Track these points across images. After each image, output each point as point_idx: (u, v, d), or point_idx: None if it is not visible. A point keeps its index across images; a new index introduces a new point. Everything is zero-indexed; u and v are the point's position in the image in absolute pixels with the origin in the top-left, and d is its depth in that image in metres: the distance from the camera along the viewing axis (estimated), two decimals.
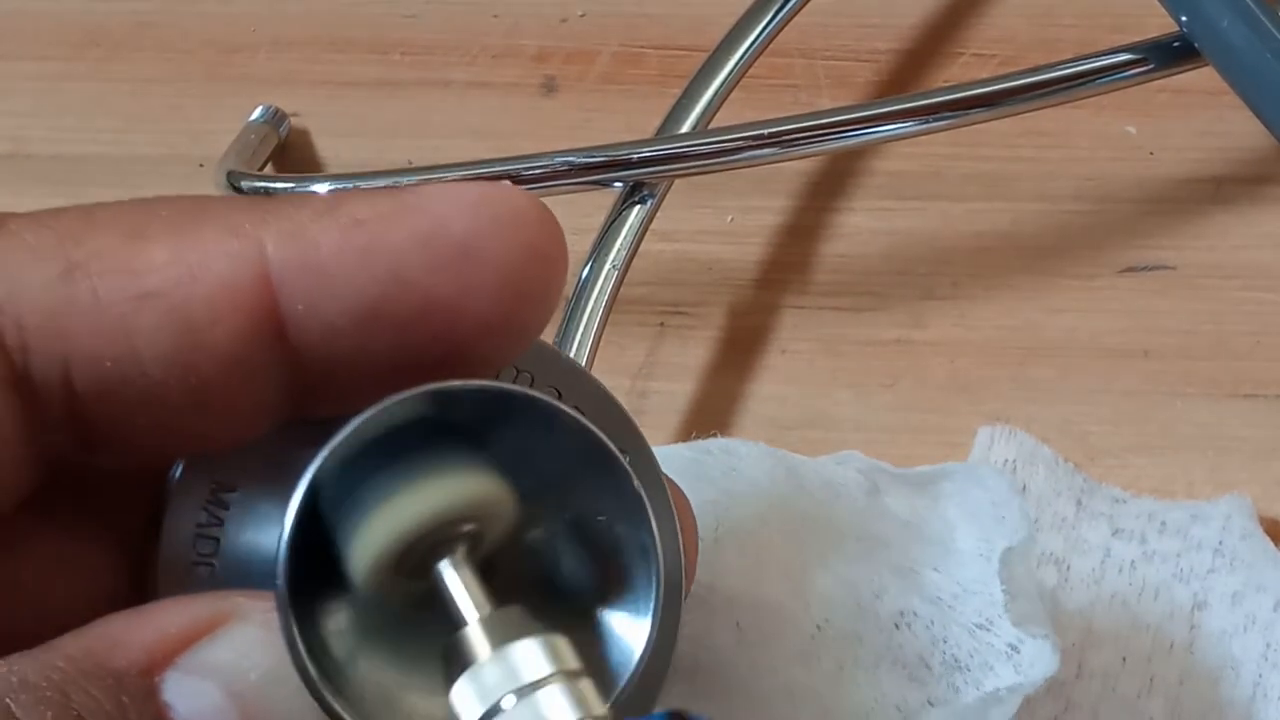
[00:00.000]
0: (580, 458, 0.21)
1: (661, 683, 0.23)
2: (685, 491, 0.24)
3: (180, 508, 0.22)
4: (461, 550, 0.20)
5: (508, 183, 0.21)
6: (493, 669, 0.19)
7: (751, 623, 0.26)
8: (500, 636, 0.20)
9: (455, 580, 0.20)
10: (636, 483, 0.21)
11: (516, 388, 0.21)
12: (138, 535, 0.22)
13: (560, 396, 0.23)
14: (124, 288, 0.20)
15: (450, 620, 0.20)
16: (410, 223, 0.20)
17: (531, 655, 0.19)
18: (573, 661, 0.20)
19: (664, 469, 0.24)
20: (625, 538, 0.21)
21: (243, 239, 0.20)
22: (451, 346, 0.21)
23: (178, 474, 0.22)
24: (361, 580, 0.20)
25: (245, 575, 0.22)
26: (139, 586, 0.22)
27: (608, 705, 0.20)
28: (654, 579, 0.21)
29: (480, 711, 0.19)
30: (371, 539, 0.20)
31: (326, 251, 0.20)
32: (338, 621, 0.21)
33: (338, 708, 0.20)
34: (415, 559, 0.20)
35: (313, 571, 0.20)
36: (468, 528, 0.20)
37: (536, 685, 0.19)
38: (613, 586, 0.21)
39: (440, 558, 0.20)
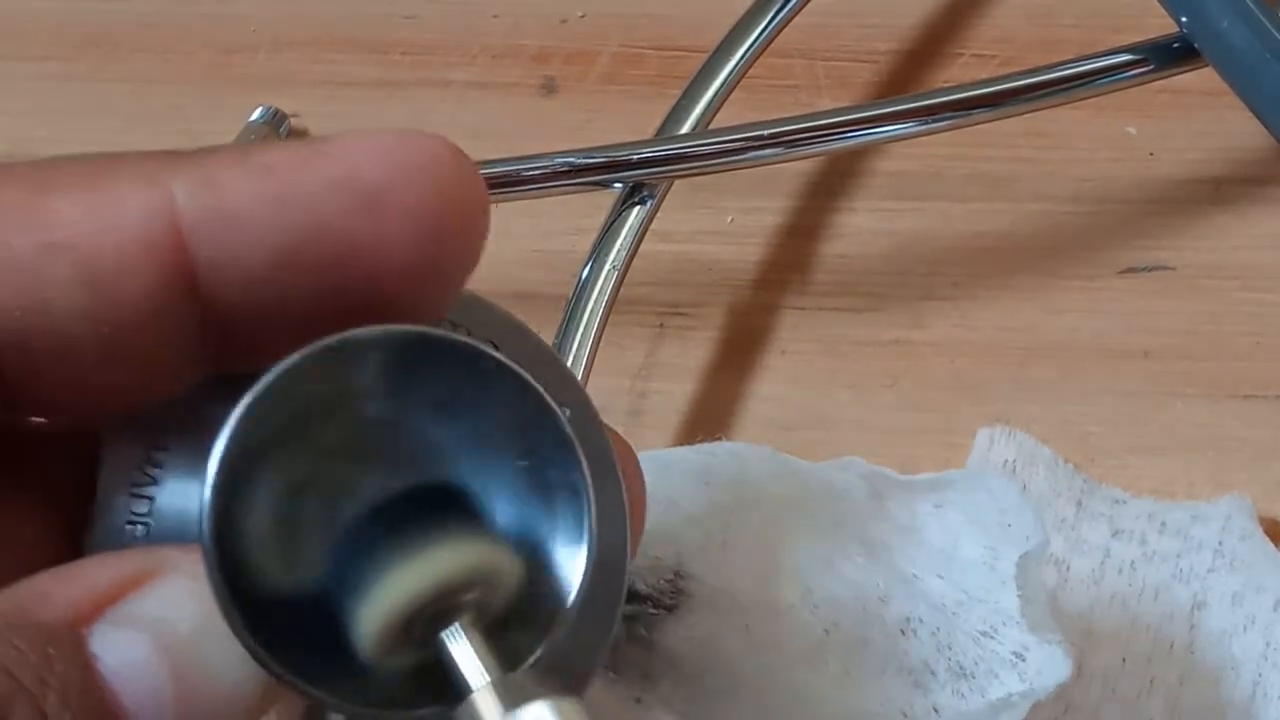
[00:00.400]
0: (508, 403, 0.21)
1: (610, 631, 0.23)
2: (692, 494, 0.24)
3: (113, 469, 0.22)
4: (467, 616, 0.20)
5: (422, 130, 0.21)
6: None
7: (760, 625, 0.26)
8: (510, 701, 0.20)
9: (462, 647, 0.20)
10: (565, 424, 0.21)
11: (438, 330, 0.20)
12: (71, 500, 0.22)
13: (496, 349, 0.23)
14: (32, 239, 0.20)
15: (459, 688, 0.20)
16: (322, 168, 0.20)
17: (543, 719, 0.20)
18: None
19: (669, 471, 0.24)
20: (557, 482, 0.21)
21: (153, 188, 0.20)
22: (372, 295, 0.21)
23: (110, 436, 0.22)
24: (372, 656, 0.20)
25: (180, 533, 0.22)
26: (74, 551, 0.22)
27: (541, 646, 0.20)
28: (585, 520, 0.21)
29: None
30: (375, 611, 0.20)
31: (237, 198, 0.20)
32: (272, 568, 0.21)
33: (267, 657, 0.20)
34: (422, 628, 0.20)
35: (245, 521, 0.20)
36: (471, 595, 0.20)
37: None
38: (550, 528, 0.21)
39: (445, 625, 0.20)
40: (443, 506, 0.21)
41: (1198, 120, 0.40)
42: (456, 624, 0.20)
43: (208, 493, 0.20)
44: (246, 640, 0.20)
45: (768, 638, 0.26)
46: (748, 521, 0.27)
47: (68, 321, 0.20)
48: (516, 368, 0.21)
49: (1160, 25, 0.37)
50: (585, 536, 0.21)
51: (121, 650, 0.19)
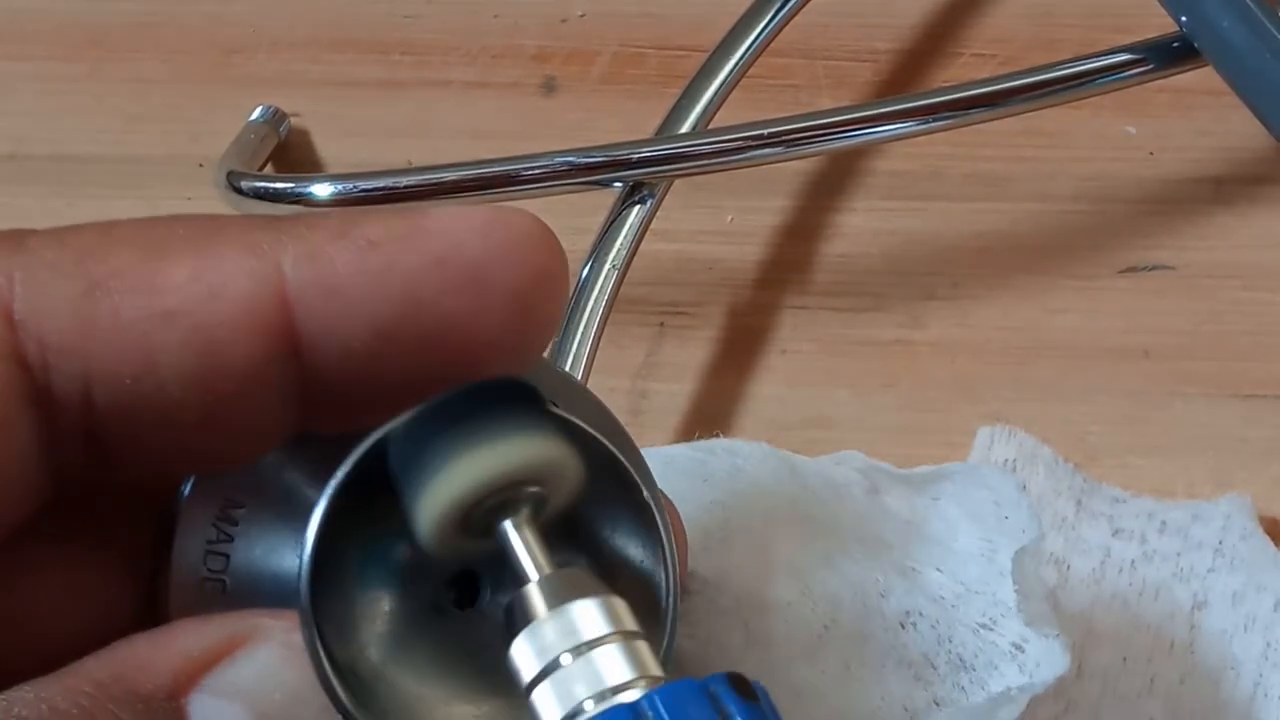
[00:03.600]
0: (595, 479, 0.21)
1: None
2: (690, 492, 0.24)
3: (190, 525, 0.22)
4: (526, 511, 0.21)
5: (515, 207, 0.22)
6: (551, 627, 0.20)
7: (759, 622, 0.26)
8: (560, 596, 0.20)
9: (518, 540, 0.20)
10: (656, 509, 0.21)
11: (541, 407, 0.21)
12: (144, 556, 0.22)
13: (556, 406, 0.23)
14: (145, 306, 0.20)
15: (513, 579, 0.20)
16: (424, 245, 0.21)
17: (590, 615, 0.20)
18: (631, 623, 0.20)
19: (667, 469, 0.24)
20: (638, 558, 0.22)
21: (261, 259, 0.20)
22: (460, 365, 0.21)
23: (187, 491, 0.22)
24: (426, 537, 0.20)
25: (255, 591, 0.22)
26: (148, 606, 0.22)
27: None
28: (669, 595, 0.21)
29: (539, 667, 0.20)
30: (439, 495, 0.20)
31: (342, 272, 0.20)
32: (362, 636, 0.21)
33: None
34: (481, 517, 0.21)
35: (334, 587, 0.21)
36: (533, 489, 0.21)
37: (594, 644, 0.20)
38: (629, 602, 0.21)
39: (505, 517, 0.21)
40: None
41: (1198, 120, 0.40)
42: (514, 517, 0.21)
43: (308, 560, 0.20)
44: (342, 707, 0.20)
45: (767, 634, 0.26)
46: (746, 518, 0.27)
47: (175, 388, 0.20)
48: (615, 450, 0.21)
49: (1160, 25, 0.37)
50: (668, 626, 0.21)
51: None
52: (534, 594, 0.20)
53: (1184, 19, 0.37)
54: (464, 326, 0.21)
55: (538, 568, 0.20)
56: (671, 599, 0.21)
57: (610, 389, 0.38)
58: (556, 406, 0.21)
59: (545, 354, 0.24)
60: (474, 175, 0.37)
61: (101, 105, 0.44)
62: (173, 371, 0.20)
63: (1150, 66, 0.37)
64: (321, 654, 0.20)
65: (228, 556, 0.22)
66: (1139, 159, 0.40)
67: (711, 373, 0.39)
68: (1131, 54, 0.38)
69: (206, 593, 0.22)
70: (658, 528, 0.21)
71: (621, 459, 0.21)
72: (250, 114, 0.43)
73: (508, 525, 0.20)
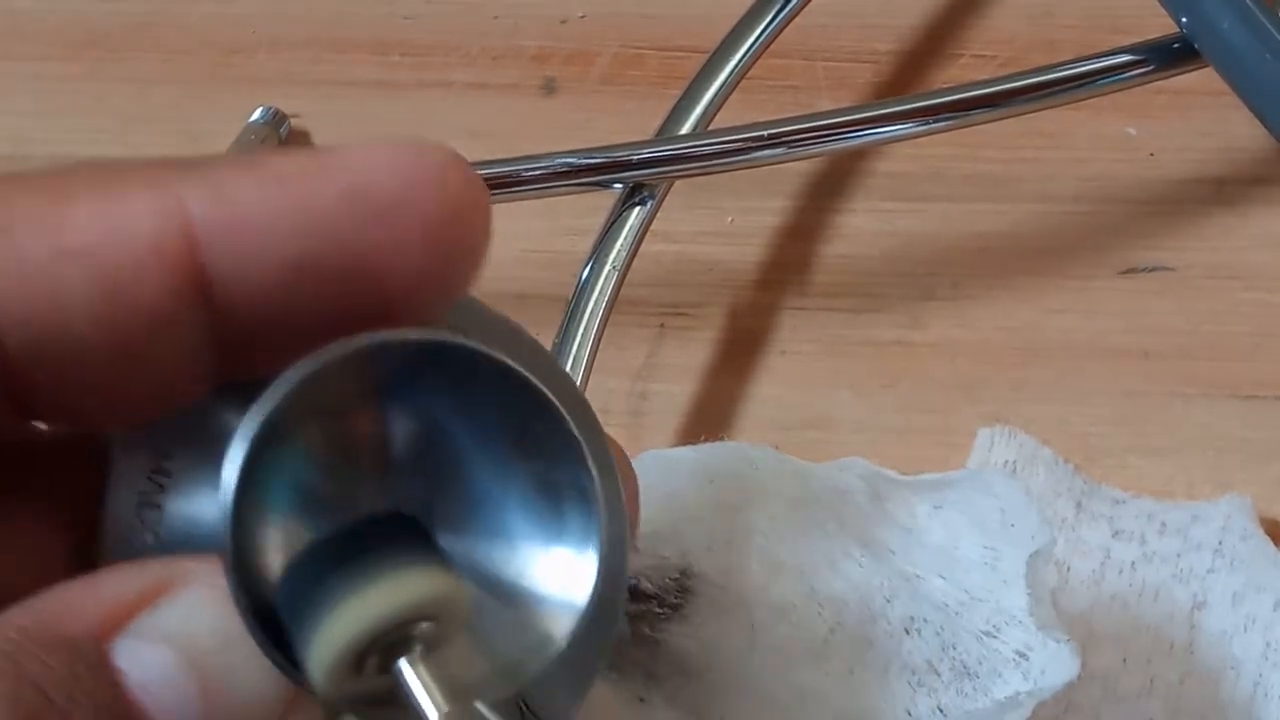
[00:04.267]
0: (514, 405, 0.21)
1: (612, 630, 0.23)
2: (696, 493, 0.24)
3: (122, 478, 0.22)
4: (419, 648, 0.20)
5: (425, 139, 0.21)
6: None
7: (764, 625, 0.26)
8: None
9: (414, 678, 0.20)
10: (572, 424, 0.21)
11: (455, 338, 0.21)
12: (80, 510, 0.22)
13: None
14: (49, 246, 0.20)
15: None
16: (333, 179, 0.20)
17: None
18: None
19: (673, 471, 0.24)
20: (564, 481, 0.21)
21: (166, 196, 0.20)
22: (379, 302, 0.21)
23: (119, 445, 0.22)
24: (319, 683, 0.20)
25: (189, 541, 0.22)
26: (85, 561, 0.22)
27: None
28: (594, 519, 0.21)
29: None
30: (327, 642, 0.20)
31: (249, 208, 0.20)
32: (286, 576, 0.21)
33: (289, 665, 0.20)
34: (376, 656, 0.20)
35: (262, 529, 0.20)
36: (426, 625, 0.20)
37: None
38: (555, 530, 0.21)
39: (399, 655, 0.20)
40: (397, 534, 0.21)
41: (1198, 120, 0.40)
42: (409, 655, 0.20)
43: (229, 503, 0.20)
44: (269, 649, 0.20)
45: (772, 637, 0.26)
46: (752, 521, 0.27)
47: (82, 327, 0.20)
48: (523, 371, 0.21)
49: (1160, 25, 0.37)
50: (596, 536, 0.21)
51: (147, 664, 0.20)
52: None
53: (1184, 20, 0.37)
54: (380, 260, 0.20)
55: (436, 707, 0.20)
56: (598, 529, 0.21)
57: (610, 390, 0.38)
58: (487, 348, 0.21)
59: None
60: None
61: (101, 105, 0.44)
62: (80, 312, 0.20)
63: (1150, 67, 0.38)
64: (244, 597, 0.20)
65: (160, 508, 0.22)
66: (1139, 160, 0.40)
67: (712, 374, 0.39)
68: (1132, 55, 0.38)
69: (141, 544, 0.22)
70: (585, 461, 0.21)
71: (546, 394, 0.21)
72: (250, 115, 0.43)
73: (403, 664, 0.20)
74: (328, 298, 0.21)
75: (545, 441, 0.21)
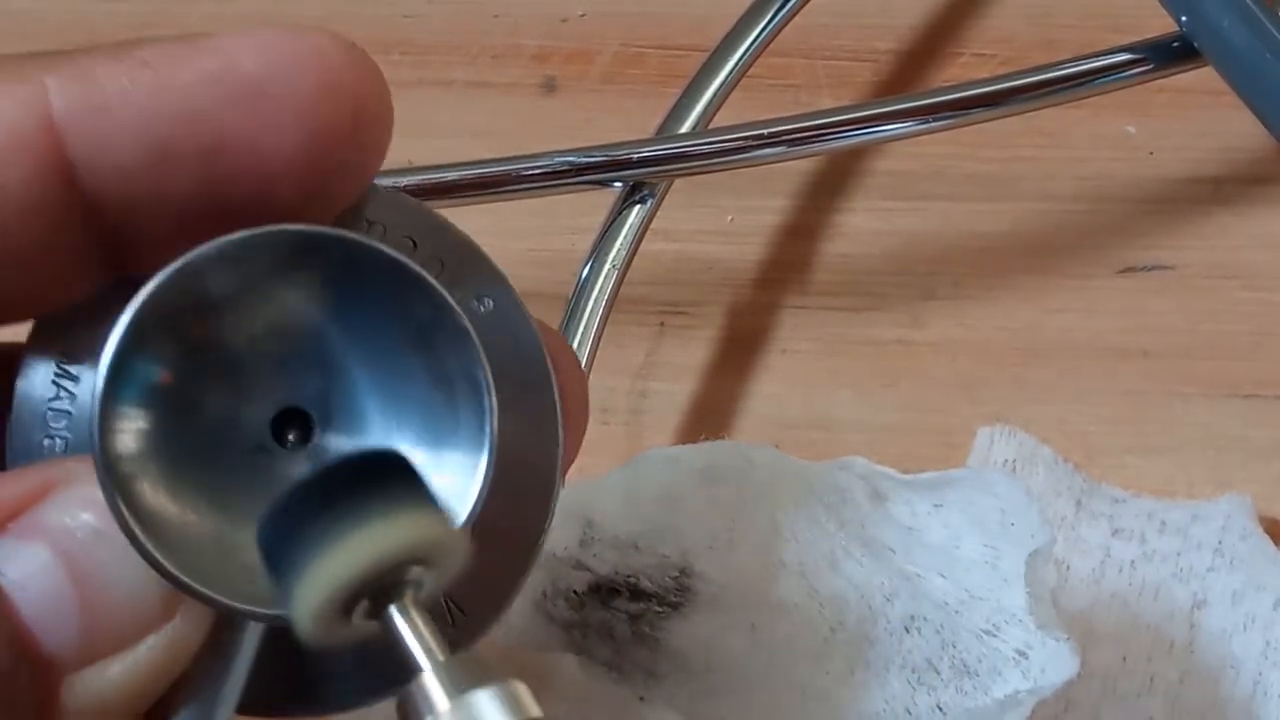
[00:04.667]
0: (407, 299, 0.21)
1: (540, 527, 0.23)
2: (697, 492, 0.24)
3: (29, 384, 0.22)
4: (411, 593, 0.20)
5: (310, 26, 0.21)
6: None
7: (765, 624, 0.26)
8: (460, 685, 0.19)
9: (406, 626, 0.20)
10: (460, 314, 0.21)
11: (334, 230, 0.20)
12: None
13: (415, 246, 0.22)
14: None
15: (407, 666, 0.20)
16: (199, 62, 0.20)
17: (492, 705, 0.19)
18: (534, 709, 0.19)
19: (676, 470, 0.24)
20: (456, 372, 0.21)
21: (26, 83, 0.20)
22: (266, 193, 0.21)
23: (26, 351, 0.22)
24: (307, 631, 0.20)
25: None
26: None
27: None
28: (487, 411, 0.21)
29: None
30: (316, 587, 0.19)
31: (111, 91, 0.20)
32: (173, 476, 0.21)
33: (164, 562, 0.20)
34: (365, 604, 0.20)
35: (144, 426, 0.20)
36: (417, 570, 0.20)
37: None
38: (450, 425, 0.21)
39: (390, 602, 0.20)
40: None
41: (1197, 120, 0.40)
42: (399, 601, 0.20)
43: (97, 398, 0.20)
44: (139, 543, 0.20)
45: (773, 636, 0.26)
46: (753, 520, 0.27)
47: None
48: (408, 261, 0.20)
49: (1160, 25, 0.37)
50: (487, 430, 0.21)
51: (22, 562, 0.20)
52: (431, 684, 0.19)
53: (1184, 19, 0.37)
54: (247, 145, 0.20)
55: (429, 655, 0.20)
56: (490, 421, 0.21)
57: (610, 389, 0.38)
58: (416, 247, 0.21)
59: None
60: (474, 175, 0.37)
61: None
62: None
63: (1150, 66, 0.37)
64: (113, 490, 0.19)
65: (69, 413, 0.22)
66: (1139, 159, 0.40)
67: (711, 372, 0.39)
68: (1131, 54, 0.38)
69: (49, 451, 0.22)
70: (476, 351, 0.21)
71: (431, 282, 0.21)
72: None
73: (394, 611, 0.20)
74: (200, 180, 0.20)
75: (439, 335, 0.21)
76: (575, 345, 0.36)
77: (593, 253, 0.37)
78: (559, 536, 0.27)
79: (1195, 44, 0.37)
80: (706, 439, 0.28)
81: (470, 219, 0.40)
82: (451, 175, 0.37)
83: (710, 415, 0.38)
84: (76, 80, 0.20)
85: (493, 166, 0.38)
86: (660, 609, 0.27)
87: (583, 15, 0.44)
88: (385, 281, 0.21)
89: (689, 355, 0.39)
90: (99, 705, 0.20)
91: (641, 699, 0.27)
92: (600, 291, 0.36)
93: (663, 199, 0.38)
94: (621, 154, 0.37)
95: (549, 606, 0.27)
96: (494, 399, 0.21)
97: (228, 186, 0.21)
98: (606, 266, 0.37)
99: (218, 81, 0.20)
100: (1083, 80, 0.38)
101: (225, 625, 0.21)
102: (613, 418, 0.38)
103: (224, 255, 0.20)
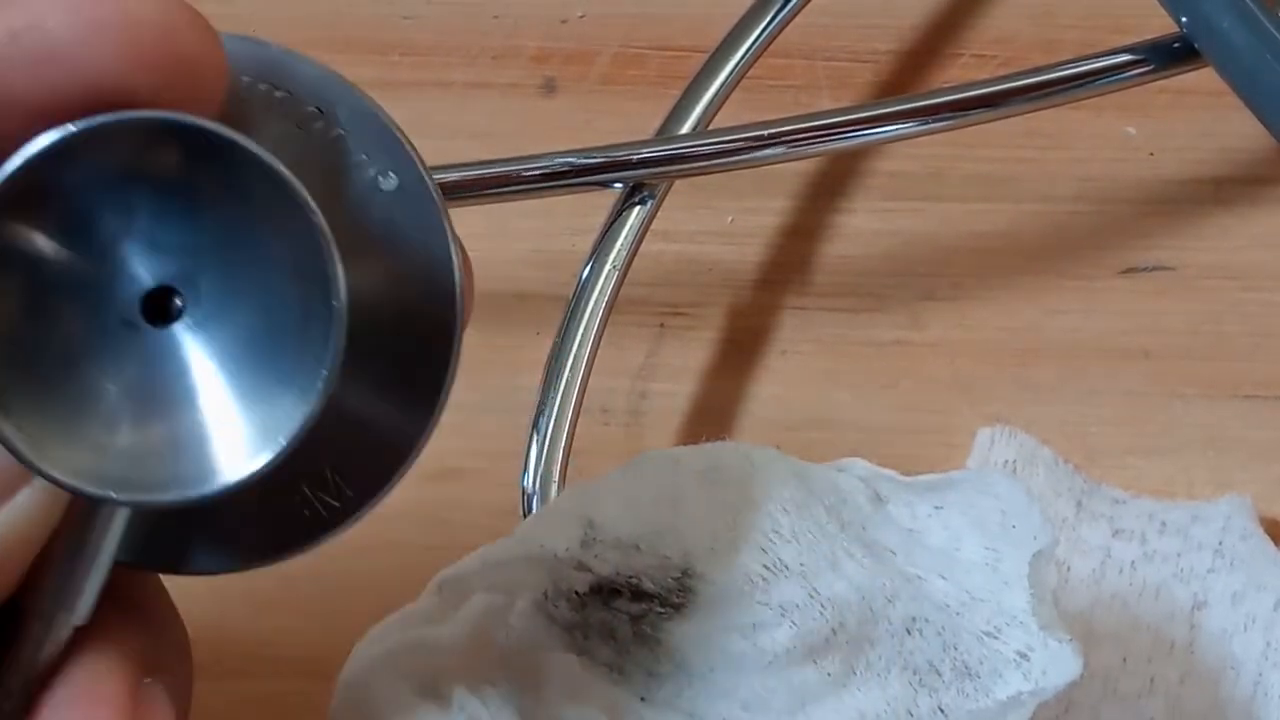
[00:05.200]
0: (259, 186, 0.21)
1: (428, 414, 0.23)
2: (699, 493, 0.24)
3: None
4: None
5: None
6: None
7: (767, 624, 0.26)
8: None
9: None
10: (308, 199, 0.21)
11: (154, 113, 0.20)
12: None
13: (321, 113, 0.23)
14: None
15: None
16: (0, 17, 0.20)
17: None
18: None
19: (677, 471, 0.24)
20: (306, 263, 0.21)
21: None
22: (116, 90, 0.21)
23: None
24: None
25: None
26: None
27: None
28: (333, 309, 0.21)
29: None
30: None
31: None
32: (31, 350, 0.21)
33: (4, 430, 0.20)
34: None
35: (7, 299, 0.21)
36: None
37: None
38: (302, 291, 0.21)
39: None
40: None
41: (1198, 120, 0.40)
42: None
43: None
44: None
45: (774, 637, 0.26)
46: (753, 521, 0.27)
47: None
48: (252, 145, 0.20)
49: (1160, 25, 0.37)
50: (333, 287, 0.21)
51: None
52: None
53: (1184, 19, 0.37)
54: (37, 103, 0.20)
55: None
56: (335, 321, 0.21)
57: (610, 390, 0.38)
58: (322, 114, 0.22)
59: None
60: (474, 175, 0.37)
61: None
62: None
63: (1150, 67, 0.37)
64: None
65: None
66: (1139, 159, 0.40)
67: (712, 374, 0.39)
68: (1132, 54, 0.38)
69: None
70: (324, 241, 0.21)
71: (277, 168, 0.21)
72: None
73: None
74: (33, 84, 0.20)
75: (287, 215, 0.21)
76: (575, 346, 0.36)
77: (593, 254, 0.37)
78: (560, 537, 0.27)
79: (1195, 44, 0.37)
80: (706, 440, 0.28)
81: (470, 219, 0.40)
82: (451, 176, 0.37)
83: (711, 416, 0.38)
84: None
85: (493, 167, 0.38)
86: (662, 610, 0.27)
87: (582, 16, 0.44)
88: (239, 165, 0.21)
89: (689, 356, 0.39)
90: None
91: (643, 699, 0.27)
92: (600, 292, 0.36)
93: (663, 200, 0.38)
94: (621, 155, 0.37)
95: (550, 607, 0.27)
96: (343, 294, 0.21)
97: (63, 83, 0.20)
98: (607, 267, 0.37)
99: (14, 38, 0.20)
100: (1083, 81, 0.38)
101: (83, 505, 0.22)
102: (613, 419, 0.38)
103: (74, 139, 0.20)
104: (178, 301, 0.21)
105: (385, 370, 0.23)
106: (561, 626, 0.27)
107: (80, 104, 0.20)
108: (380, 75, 0.44)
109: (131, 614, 0.23)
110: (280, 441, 0.21)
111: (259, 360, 0.21)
